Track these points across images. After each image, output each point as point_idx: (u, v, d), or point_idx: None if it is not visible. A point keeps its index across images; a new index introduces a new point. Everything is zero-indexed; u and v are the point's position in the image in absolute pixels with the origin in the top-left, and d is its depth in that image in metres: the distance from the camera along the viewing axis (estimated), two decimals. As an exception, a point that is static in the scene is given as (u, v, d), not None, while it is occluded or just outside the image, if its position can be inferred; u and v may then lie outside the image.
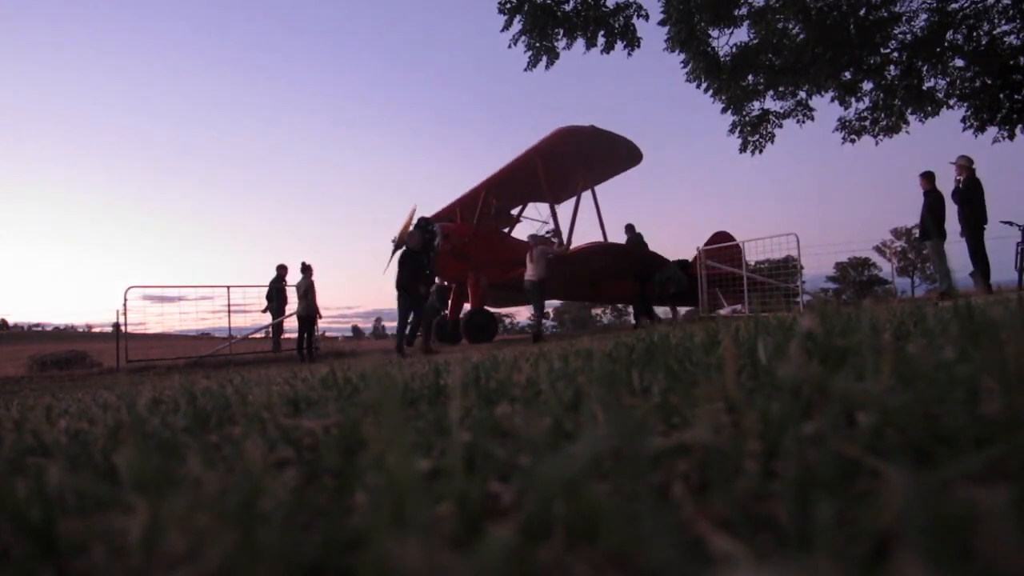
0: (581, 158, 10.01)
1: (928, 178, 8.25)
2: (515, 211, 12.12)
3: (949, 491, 0.35)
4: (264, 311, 11.24)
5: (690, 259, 12.78)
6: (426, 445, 0.64)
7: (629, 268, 10.08)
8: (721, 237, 11.84)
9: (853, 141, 12.65)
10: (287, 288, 11.21)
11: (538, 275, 8.34)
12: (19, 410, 2.04)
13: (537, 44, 10.34)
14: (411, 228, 9.99)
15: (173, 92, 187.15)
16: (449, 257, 10.41)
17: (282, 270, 11.35)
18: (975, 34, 10.94)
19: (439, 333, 10.77)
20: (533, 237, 8.85)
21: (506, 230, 11.71)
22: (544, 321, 10.41)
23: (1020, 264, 8.13)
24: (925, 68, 11.55)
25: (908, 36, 11.34)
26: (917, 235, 9.21)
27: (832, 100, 12.26)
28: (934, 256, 8.04)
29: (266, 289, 11.23)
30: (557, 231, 11.19)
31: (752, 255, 10.00)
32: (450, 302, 11.48)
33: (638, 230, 10.88)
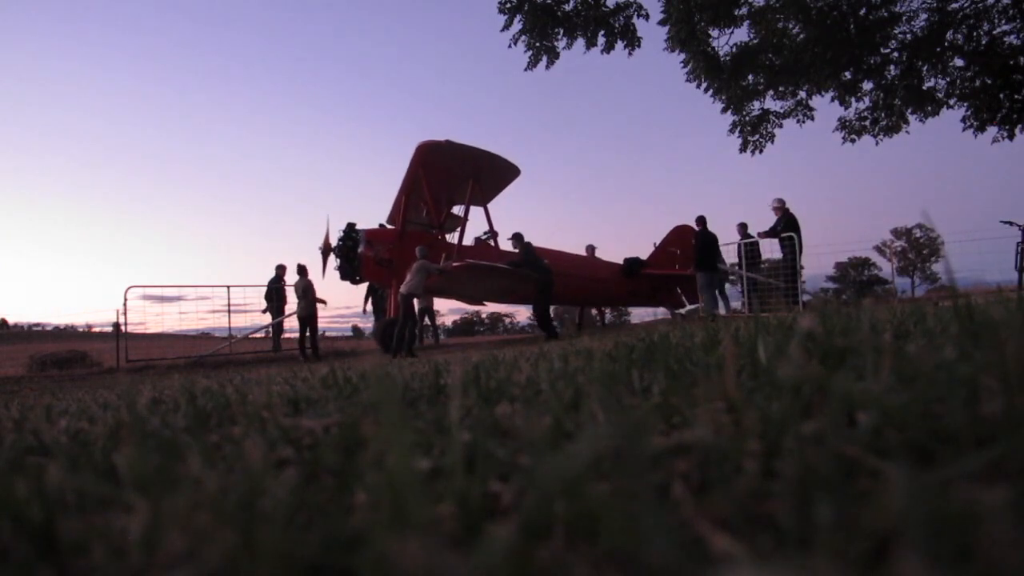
0: (449, 171, 9.89)
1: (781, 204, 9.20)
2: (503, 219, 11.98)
3: (949, 491, 0.35)
4: (264, 311, 11.22)
5: (644, 257, 12.54)
6: (426, 445, 0.64)
7: (517, 283, 9.55)
8: (681, 231, 11.56)
9: (853, 141, 12.65)
10: (286, 288, 11.19)
11: (408, 288, 8.31)
12: (19, 410, 2.04)
13: (537, 44, 10.33)
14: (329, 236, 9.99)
15: (172, 91, 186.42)
16: (371, 264, 10.10)
17: (281, 270, 11.32)
18: (975, 34, 10.94)
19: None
20: (420, 250, 8.73)
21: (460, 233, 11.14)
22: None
23: (1020, 264, 8.15)
24: (925, 68, 11.54)
25: (908, 36, 11.33)
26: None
27: (832, 100, 12.25)
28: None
29: (265, 289, 11.21)
30: (492, 232, 11.09)
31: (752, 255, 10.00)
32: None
33: (526, 240, 9.93)
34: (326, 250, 10.38)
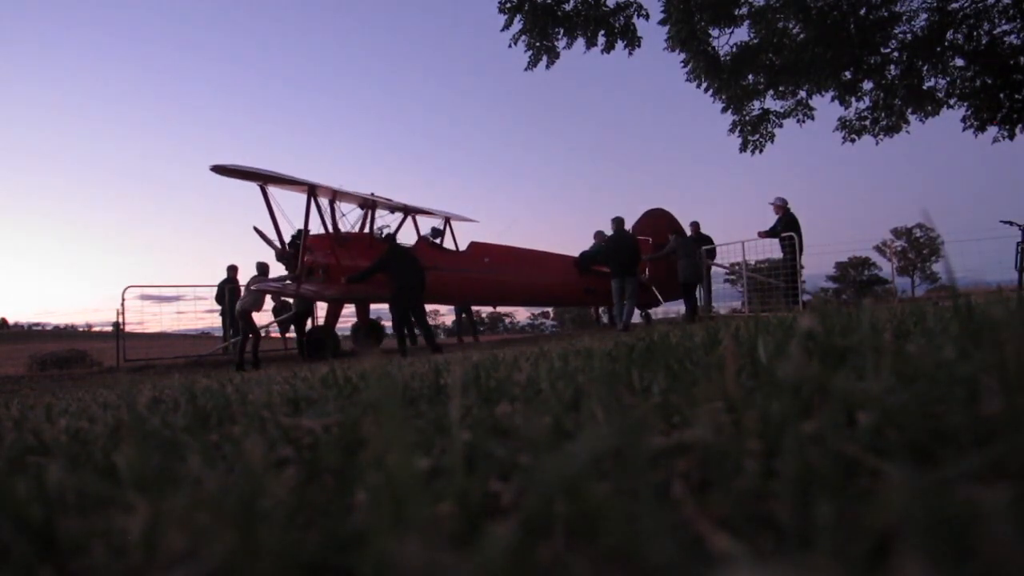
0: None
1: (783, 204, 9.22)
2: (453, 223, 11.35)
3: (949, 491, 0.35)
4: (221, 313, 10.87)
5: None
6: (426, 444, 0.64)
7: (367, 292, 9.56)
8: (655, 215, 11.10)
9: (853, 141, 12.64)
10: (240, 288, 10.99)
11: (242, 305, 8.79)
12: (19, 409, 2.04)
13: (537, 44, 10.33)
14: (274, 242, 10.10)
15: (171, 88, 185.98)
16: (307, 270, 9.95)
17: (232, 271, 10.98)
18: (975, 34, 10.93)
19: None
20: (259, 265, 9.32)
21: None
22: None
23: (1020, 264, 8.17)
24: (925, 68, 11.54)
25: (908, 36, 11.33)
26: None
27: (832, 100, 12.25)
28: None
29: (216, 290, 10.88)
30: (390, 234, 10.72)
31: (752, 255, 10.01)
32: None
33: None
34: (282, 257, 10.30)
